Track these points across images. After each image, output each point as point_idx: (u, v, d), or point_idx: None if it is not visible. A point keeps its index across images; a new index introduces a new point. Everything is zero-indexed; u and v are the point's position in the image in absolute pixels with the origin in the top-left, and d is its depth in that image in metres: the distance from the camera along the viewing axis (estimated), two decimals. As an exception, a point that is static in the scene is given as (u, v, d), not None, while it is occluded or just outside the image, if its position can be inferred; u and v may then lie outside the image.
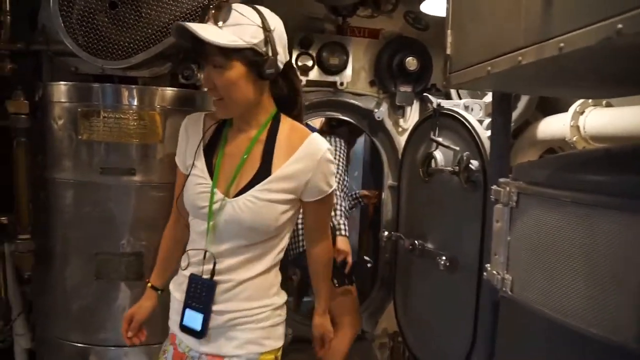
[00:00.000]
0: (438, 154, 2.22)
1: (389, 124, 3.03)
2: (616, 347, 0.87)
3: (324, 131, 3.11)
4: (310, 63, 2.82)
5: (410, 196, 2.56)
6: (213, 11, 1.34)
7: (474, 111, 2.26)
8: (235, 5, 1.36)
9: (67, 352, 2.03)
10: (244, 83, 1.36)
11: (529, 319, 1.08)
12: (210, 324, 1.42)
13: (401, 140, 2.92)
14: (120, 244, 1.94)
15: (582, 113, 1.82)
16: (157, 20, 1.78)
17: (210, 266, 1.42)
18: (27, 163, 2.05)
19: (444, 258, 2.08)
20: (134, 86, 1.94)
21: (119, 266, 1.94)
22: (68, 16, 1.78)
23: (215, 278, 1.41)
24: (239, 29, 1.32)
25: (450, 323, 2.13)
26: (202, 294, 1.42)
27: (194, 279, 1.45)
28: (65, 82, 1.95)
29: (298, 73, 1.61)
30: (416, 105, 3.05)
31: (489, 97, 2.21)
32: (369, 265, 2.83)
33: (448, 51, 1.44)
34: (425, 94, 2.66)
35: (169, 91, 1.96)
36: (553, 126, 2.00)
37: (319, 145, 1.43)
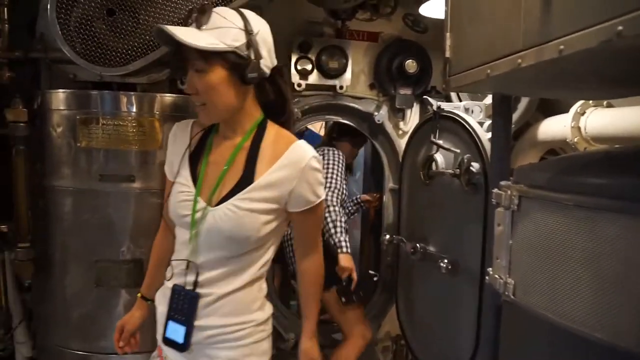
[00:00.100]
0: (439, 157, 2.21)
1: (389, 127, 3.02)
2: (620, 352, 0.85)
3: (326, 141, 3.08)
4: (309, 67, 2.82)
5: (411, 199, 2.55)
6: (195, 14, 1.31)
7: (474, 113, 2.25)
8: (217, 9, 1.33)
9: (67, 360, 2.03)
10: (225, 87, 1.32)
11: (532, 323, 1.07)
12: (192, 339, 1.37)
13: (401, 143, 2.90)
14: (120, 251, 1.94)
15: (583, 114, 1.81)
16: (154, 27, 1.78)
17: (193, 277, 1.37)
18: (26, 171, 2.05)
19: (445, 261, 2.07)
20: (132, 93, 1.94)
21: (119, 273, 1.94)
22: (66, 24, 1.78)
23: (198, 290, 1.37)
24: (220, 32, 1.28)
25: (453, 326, 2.12)
26: (184, 305, 1.37)
27: (176, 290, 1.40)
28: (63, 90, 1.95)
29: (286, 78, 1.54)
30: (416, 108, 3.05)
31: (489, 99, 2.20)
32: (375, 279, 2.78)
33: (447, 54, 1.43)
34: (425, 96, 2.64)
35: (168, 97, 1.96)
36: (554, 127, 1.99)
37: (304, 153, 1.38)
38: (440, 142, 2.18)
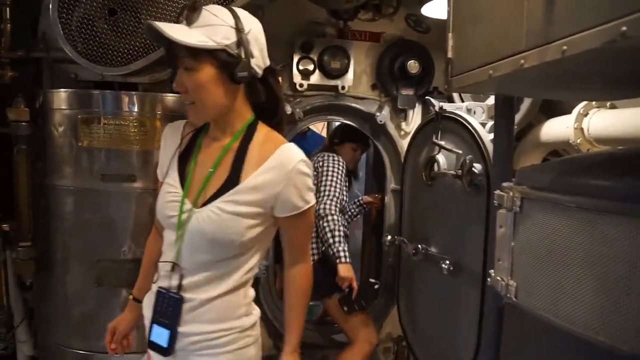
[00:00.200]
0: (441, 158, 2.20)
1: (391, 127, 3.02)
2: (623, 356, 0.85)
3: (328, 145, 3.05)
4: (311, 67, 2.82)
5: (413, 200, 2.55)
6: (186, 11, 1.29)
7: (476, 114, 2.24)
8: (208, 6, 1.31)
9: (68, 359, 2.03)
10: (214, 86, 1.29)
11: (534, 325, 1.07)
12: (176, 345, 1.34)
13: (403, 144, 2.90)
14: (121, 250, 1.94)
15: (586, 115, 1.80)
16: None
17: (177, 280, 1.34)
18: (27, 170, 2.05)
19: (447, 262, 2.06)
20: (134, 92, 1.94)
21: (120, 273, 1.94)
22: (68, 23, 1.78)
23: (182, 294, 1.34)
24: (210, 29, 1.26)
25: (455, 328, 2.11)
26: (168, 309, 1.34)
27: (161, 293, 1.37)
28: (65, 89, 1.95)
29: (280, 79, 1.49)
30: (418, 109, 3.04)
31: (491, 100, 2.19)
32: (376, 287, 2.77)
33: (449, 54, 1.43)
34: (427, 97, 2.64)
35: (170, 97, 1.96)
36: (557, 128, 1.98)
37: (292, 155, 1.33)
38: (442, 143, 2.17)
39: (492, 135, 1.75)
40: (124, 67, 1.82)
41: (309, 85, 2.84)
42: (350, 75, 2.88)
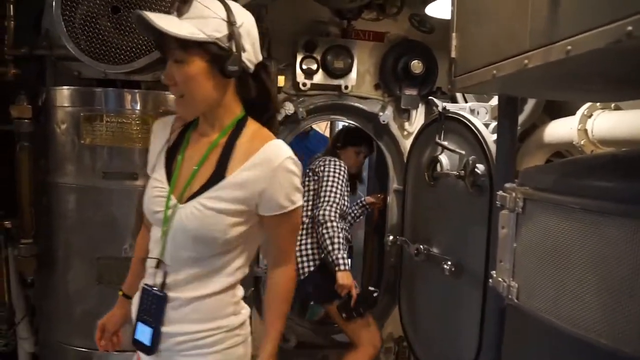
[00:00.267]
0: (443, 158, 2.20)
1: (394, 127, 3.01)
2: (626, 358, 0.84)
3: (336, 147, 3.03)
4: (314, 66, 2.81)
5: (416, 200, 2.54)
6: (177, 2, 1.25)
7: (480, 114, 2.23)
8: None
9: (69, 357, 2.03)
10: (203, 79, 1.25)
11: (536, 327, 1.06)
12: (161, 345, 1.31)
13: (406, 144, 2.90)
14: (123, 248, 1.94)
15: (590, 116, 1.80)
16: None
17: (162, 278, 1.31)
18: (30, 167, 2.06)
19: (449, 263, 2.06)
20: (136, 90, 1.94)
21: (121, 270, 1.91)
22: (71, 21, 1.78)
23: (166, 291, 1.30)
24: (201, 21, 1.22)
25: (456, 329, 2.10)
26: (152, 306, 1.31)
27: (145, 290, 1.33)
28: (68, 87, 1.95)
29: (272, 76, 1.48)
30: (421, 109, 3.04)
31: (495, 100, 2.19)
32: (375, 295, 2.76)
33: (453, 54, 1.42)
34: (430, 97, 2.63)
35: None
36: (560, 129, 1.97)
37: (278, 152, 1.29)
38: (445, 143, 2.17)
39: (495, 136, 1.75)
40: (127, 65, 1.82)
41: (312, 84, 2.84)
42: (353, 74, 2.88)
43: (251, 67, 1.31)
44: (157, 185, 1.35)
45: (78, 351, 2.01)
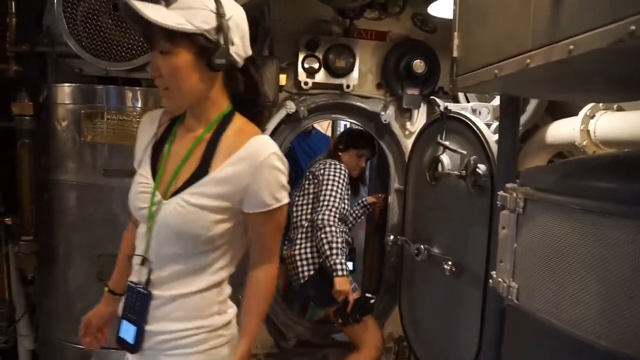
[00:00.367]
0: (445, 158, 2.19)
1: (395, 127, 3.01)
2: (626, 360, 0.84)
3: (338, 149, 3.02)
4: (316, 65, 2.81)
5: (417, 200, 2.54)
6: None
7: (481, 114, 2.23)
8: None
9: (69, 354, 2.03)
10: (190, 72, 1.23)
11: (535, 328, 1.06)
12: (144, 344, 1.29)
13: (408, 144, 2.89)
14: (123, 246, 1.94)
15: (592, 117, 1.79)
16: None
17: (146, 275, 1.29)
18: (30, 164, 2.06)
19: (449, 263, 2.06)
20: (137, 88, 1.94)
21: (122, 268, 1.93)
22: (72, 18, 1.78)
23: (150, 289, 1.29)
24: (189, 12, 1.20)
25: (456, 329, 2.10)
26: (136, 304, 1.29)
27: (130, 287, 1.31)
28: (69, 84, 1.95)
29: (261, 71, 1.45)
30: (423, 108, 3.03)
31: (497, 100, 2.18)
32: (371, 301, 2.74)
33: (455, 54, 1.42)
34: (432, 97, 2.63)
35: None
36: (562, 130, 1.97)
37: (263, 147, 1.26)
38: (447, 143, 2.16)
39: (497, 136, 1.74)
40: (128, 62, 1.82)
41: (313, 83, 2.83)
42: (355, 74, 2.87)
43: (240, 61, 1.29)
44: (142, 181, 1.33)
45: (78, 348, 2.00)
